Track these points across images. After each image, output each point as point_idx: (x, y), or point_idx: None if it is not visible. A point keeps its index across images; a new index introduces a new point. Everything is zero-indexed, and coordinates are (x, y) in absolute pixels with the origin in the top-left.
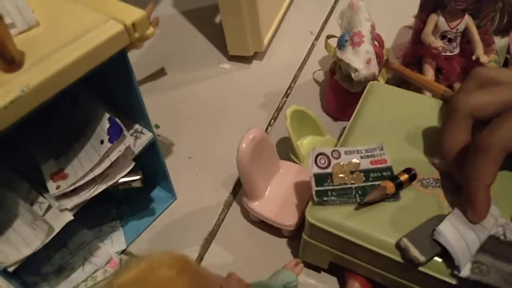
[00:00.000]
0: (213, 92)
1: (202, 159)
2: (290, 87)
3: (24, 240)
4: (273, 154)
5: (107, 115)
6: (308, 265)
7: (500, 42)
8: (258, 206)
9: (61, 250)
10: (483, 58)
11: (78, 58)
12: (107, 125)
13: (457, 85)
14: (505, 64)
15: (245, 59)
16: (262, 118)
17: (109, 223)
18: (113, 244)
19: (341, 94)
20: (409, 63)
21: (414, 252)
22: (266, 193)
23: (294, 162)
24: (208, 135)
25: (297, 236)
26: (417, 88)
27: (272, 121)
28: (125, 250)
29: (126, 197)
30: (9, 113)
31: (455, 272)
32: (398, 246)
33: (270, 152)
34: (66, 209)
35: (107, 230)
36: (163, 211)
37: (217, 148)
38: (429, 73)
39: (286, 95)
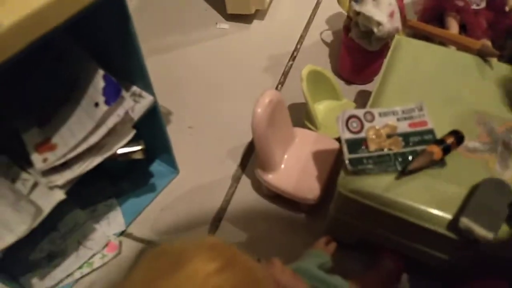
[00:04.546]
0: (212, 55)
1: (204, 128)
2: (296, 49)
3: (6, 225)
4: (288, 120)
5: (101, 72)
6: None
7: None
8: (275, 179)
9: (51, 234)
10: None
11: None
12: (102, 84)
13: (483, 42)
14: None
15: (245, 19)
16: (268, 83)
17: (105, 202)
18: (110, 225)
19: (357, 54)
20: (428, 19)
21: (480, 231)
22: (283, 164)
23: (310, 129)
24: (208, 102)
25: (315, 211)
26: None
27: (279, 86)
28: (124, 231)
29: (123, 172)
30: None
31: None
32: (456, 227)
33: (286, 118)
34: (57, 186)
35: (102, 209)
36: (164, 187)
37: (220, 116)
38: (454, 28)
39: (293, 57)
